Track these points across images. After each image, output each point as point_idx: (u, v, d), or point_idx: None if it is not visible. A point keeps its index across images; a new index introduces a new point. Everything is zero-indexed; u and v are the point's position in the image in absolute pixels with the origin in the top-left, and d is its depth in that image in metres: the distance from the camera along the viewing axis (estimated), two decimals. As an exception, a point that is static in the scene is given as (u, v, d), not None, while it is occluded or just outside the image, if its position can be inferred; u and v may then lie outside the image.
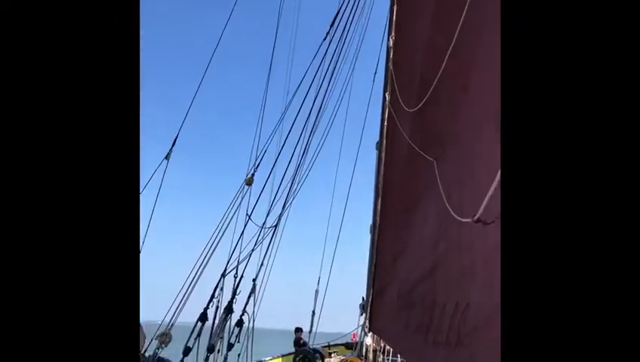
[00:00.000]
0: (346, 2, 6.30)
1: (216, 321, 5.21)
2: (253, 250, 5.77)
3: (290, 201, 6.22)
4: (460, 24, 3.71)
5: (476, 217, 2.27)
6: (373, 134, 7.23)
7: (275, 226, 5.96)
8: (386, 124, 6.41)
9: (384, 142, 6.37)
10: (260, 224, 5.97)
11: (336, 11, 6.24)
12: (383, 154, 6.42)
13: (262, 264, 6.03)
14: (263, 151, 6.29)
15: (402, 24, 6.25)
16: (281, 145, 6.21)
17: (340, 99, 7.30)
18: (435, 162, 4.25)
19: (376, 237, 6.05)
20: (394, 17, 6.37)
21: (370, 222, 6.39)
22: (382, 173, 6.41)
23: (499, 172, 2.04)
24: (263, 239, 5.88)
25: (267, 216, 6.04)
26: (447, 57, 4.02)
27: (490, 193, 2.08)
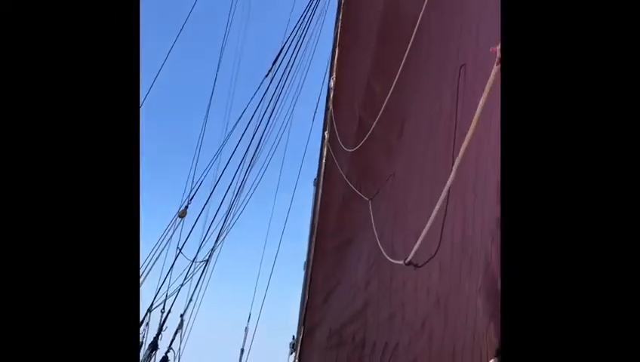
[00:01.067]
0: (289, 42, 6.44)
1: (141, 358, 4.99)
2: (182, 284, 5.62)
3: (223, 236, 6.13)
4: (399, 70, 3.88)
5: (407, 260, 2.33)
6: (311, 171, 7.30)
7: (207, 261, 5.85)
8: (324, 161, 6.51)
9: (322, 179, 6.45)
10: (191, 258, 5.84)
11: (279, 50, 6.36)
12: (320, 191, 6.49)
13: (191, 299, 5.87)
14: (199, 183, 6.20)
15: (343, 66, 6.44)
16: (218, 177, 6.16)
17: (280, 135, 7.36)
18: (369, 202, 4.35)
19: (309, 275, 6.05)
20: (335, 59, 6.55)
21: (304, 258, 6.39)
22: (318, 209, 6.46)
23: (431, 216, 2.12)
24: (194, 274, 5.75)
25: (199, 250, 5.92)
26: (385, 102, 4.18)
27: (421, 237, 2.15)
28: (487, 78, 1.45)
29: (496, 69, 1.21)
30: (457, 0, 3.26)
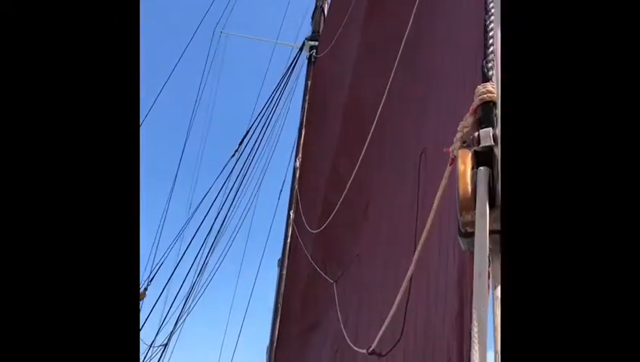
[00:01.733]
0: (256, 122, 6.55)
1: None
2: (138, 371, 5.31)
3: (183, 319, 5.90)
4: (362, 152, 3.96)
5: (371, 349, 2.27)
6: (276, 251, 7.21)
7: (165, 345, 5.58)
8: (289, 241, 6.45)
9: (286, 260, 6.36)
10: (149, 342, 5.57)
11: (246, 130, 6.46)
12: (285, 272, 6.38)
13: (147, 387, 5.54)
14: (159, 265, 6.03)
15: (310, 146, 6.56)
16: (179, 257, 6.00)
17: (245, 214, 7.32)
18: (334, 284, 4.28)
19: (272, 360, 5.82)
20: (302, 140, 6.68)
21: (267, 342, 6.16)
22: (282, 291, 6.32)
23: (395, 302, 2.08)
24: (151, 359, 5.46)
25: (157, 333, 5.66)
26: (349, 183, 4.23)
27: (384, 325, 2.11)
28: (445, 170, 1.47)
29: (449, 169, 1.24)
30: (415, 87, 3.40)
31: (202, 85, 8.62)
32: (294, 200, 6.30)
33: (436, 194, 1.63)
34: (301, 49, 7.56)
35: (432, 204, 1.68)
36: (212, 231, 6.24)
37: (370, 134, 3.89)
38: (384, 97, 3.69)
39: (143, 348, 5.59)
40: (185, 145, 8.05)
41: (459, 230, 1.03)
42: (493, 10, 1.21)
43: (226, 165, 6.27)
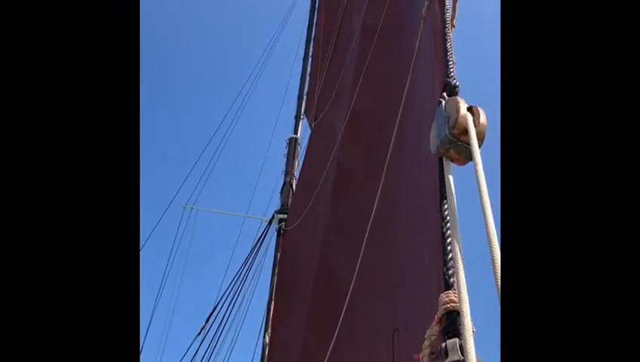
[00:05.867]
0: (224, 298, 6.44)
1: None
2: None
3: None
4: (336, 331, 3.86)
5: None
6: None
7: None
8: None
9: None
10: None
11: (212, 309, 6.32)
12: None
13: None
14: None
15: (279, 322, 6.38)
16: None
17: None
18: None
19: None
20: (271, 314, 6.52)
21: None
22: None
23: None
24: None
25: None
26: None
27: None
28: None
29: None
30: (384, 264, 3.45)
31: (170, 262, 8.58)
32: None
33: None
34: (270, 222, 7.73)
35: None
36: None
37: (344, 311, 3.83)
38: (355, 273, 3.70)
39: None
40: (150, 323, 7.75)
41: None
42: (449, 218, 1.30)
43: (191, 344, 6.00)
